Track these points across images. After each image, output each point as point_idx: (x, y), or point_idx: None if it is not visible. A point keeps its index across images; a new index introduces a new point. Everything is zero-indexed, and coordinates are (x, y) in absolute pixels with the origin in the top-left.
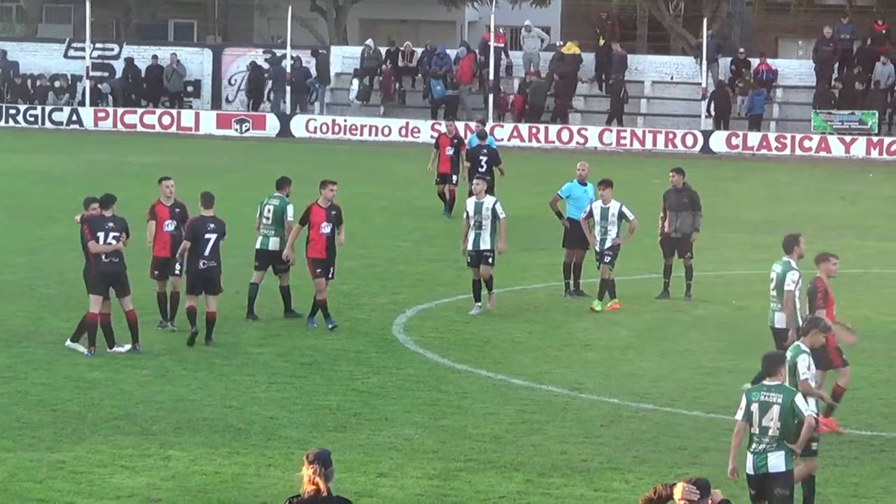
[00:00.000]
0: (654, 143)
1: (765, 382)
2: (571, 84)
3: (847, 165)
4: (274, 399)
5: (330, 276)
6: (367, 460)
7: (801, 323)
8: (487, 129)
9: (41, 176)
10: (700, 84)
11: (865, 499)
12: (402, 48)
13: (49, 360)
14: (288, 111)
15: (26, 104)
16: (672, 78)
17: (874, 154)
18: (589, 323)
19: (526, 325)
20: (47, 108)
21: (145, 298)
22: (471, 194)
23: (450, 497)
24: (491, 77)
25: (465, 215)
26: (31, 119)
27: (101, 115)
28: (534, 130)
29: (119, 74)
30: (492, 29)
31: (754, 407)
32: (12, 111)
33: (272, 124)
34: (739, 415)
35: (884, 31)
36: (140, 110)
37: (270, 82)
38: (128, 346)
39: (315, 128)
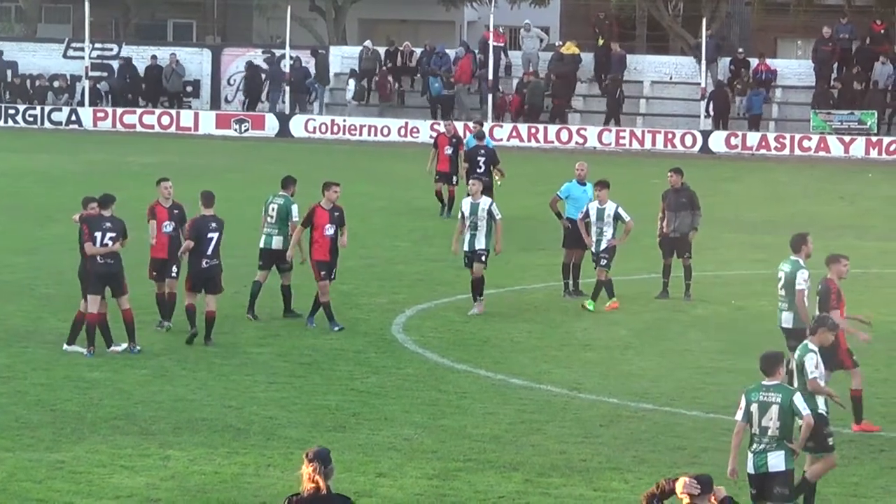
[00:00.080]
0: (654, 143)
1: (763, 382)
2: (570, 84)
3: (846, 165)
4: (273, 399)
5: (332, 276)
6: (367, 460)
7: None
8: (487, 129)
9: (40, 176)
10: (699, 84)
11: (865, 498)
12: (401, 48)
13: (48, 359)
14: (287, 111)
15: (25, 104)
16: (671, 78)
17: (873, 154)
18: (588, 323)
19: (525, 325)
20: (46, 109)
21: (144, 298)
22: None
23: (449, 497)
24: (490, 77)
25: (460, 215)
26: (31, 119)
27: (100, 115)
28: (533, 130)
29: (116, 74)
30: (491, 28)
31: (754, 407)
32: (11, 111)
33: (271, 124)
34: (739, 415)
35: (882, 31)
36: (139, 110)
37: (268, 82)
38: (124, 346)
39: (314, 128)
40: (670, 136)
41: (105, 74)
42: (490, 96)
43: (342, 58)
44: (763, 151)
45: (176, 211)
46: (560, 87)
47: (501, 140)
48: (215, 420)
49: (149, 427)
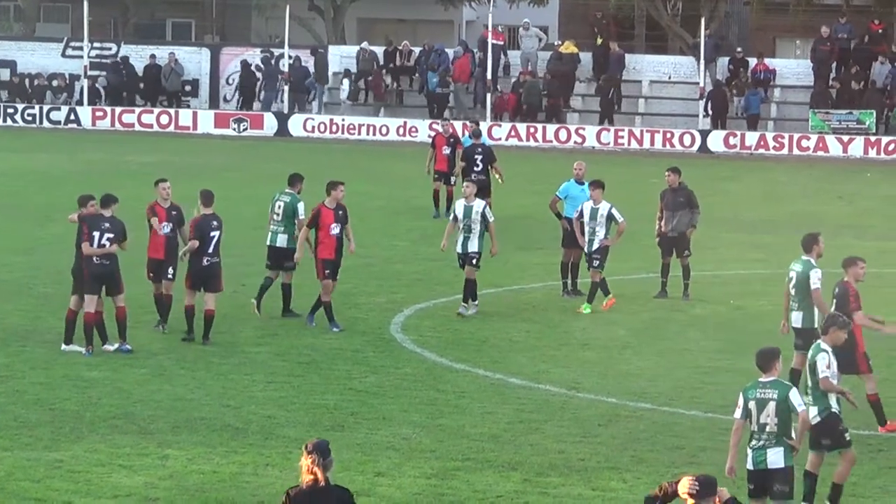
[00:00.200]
0: (652, 143)
1: (760, 379)
2: (569, 83)
3: (845, 165)
4: (271, 398)
5: (336, 276)
6: (365, 459)
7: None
8: (485, 128)
9: (39, 175)
10: (698, 84)
11: (863, 498)
12: (399, 47)
13: (47, 359)
14: (286, 110)
15: (24, 103)
16: (670, 77)
17: (872, 154)
18: (586, 322)
19: (523, 325)
20: (45, 108)
21: (143, 298)
22: None
23: (447, 496)
24: (489, 76)
25: (451, 216)
26: (29, 118)
27: (98, 114)
28: (531, 130)
29: (111, 70)
30: (489, 27)
31: (751, 404)
32: (10, 110)
33: (270, 124)
34: (737, 413)
35: (881, 31)
36: (138, 109)
37: (263, 82)
38: (116, 346)
39: (313, 127)
40: (669, 135)
41: (104, 74)
42: (489, 95)
43: (341, 57)
44: (761, 151)
45: (174, 212)
46: (556, 86)
47: (500, 139)
48: (214, 419)
49: (147, 426)
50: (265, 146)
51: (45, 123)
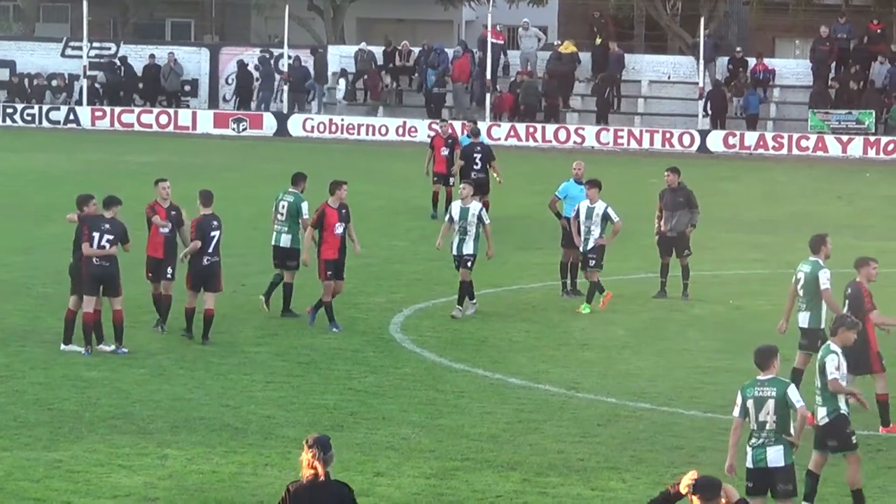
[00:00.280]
0: (651, 143)
1: (758, 377)
2: (568, 83)
3: (844, 165)
4: (271, 398)
5: (341, 276)
6: (364, 459)
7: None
8: (484, 128)
9: (38, 175)
10: (697, 83)
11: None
12: (399, 47)
13: (46, 359)
14: (285, 110)
15: (23, 103)
16: (669, 77)
17: (871, 153)
18: (586, 322)
19: (523, 325)
20: (44, 108)
21: (142, 297)
22: None
23: (447, 496)
24: (488, 76)
25: (447, 217)
26: (29, 118)
27: (98, 114)
28: (531, 130)
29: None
30: (489, 27)
31: (750, 403)
32: (9, 110)
33: (269, 123)
34: (736, 411)
35: (880, 31)
36: (137, 109)
37: (259, 81)
38: (112, 347)
39: (312, 127)
40: (668, 135)
41: (100, 72)
42: (488, 95)
43: (340, 57)
44: (761, 151)
45: (173, 212)
46: (553, 86)
47: (499, 139)
48: (213, 419)
49: (147, 426)
50: (264, 146)
51: (45, 123)
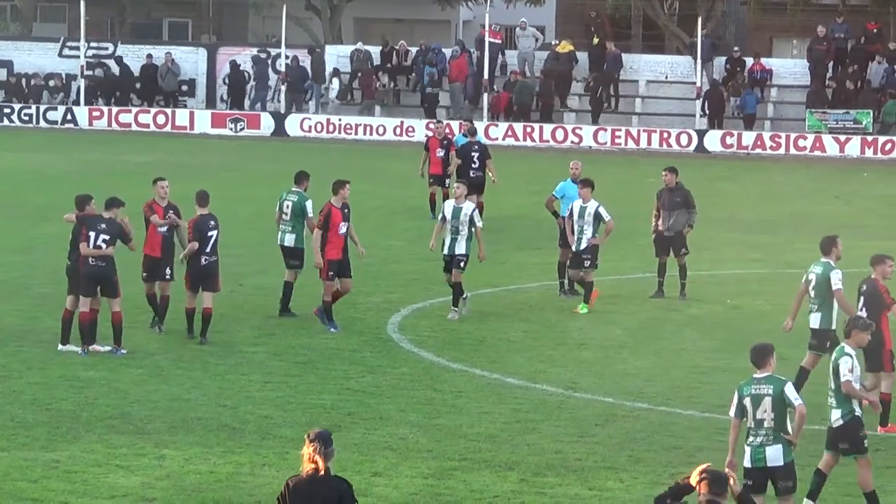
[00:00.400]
0: (649, 143)
1: (755, 375)
2: (566, 83)
3: (842, 165)
4: (268, 398)
5: (348, 274)
6: (362, 459)
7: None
8: (482, 128)
9: (36, 175)
10: (695, 83)
11: (861, 498)
12: (396, 47)
13: (44, 359)
14: (283, 110)
15: (21, 103)
16: (667, 77)
17: (868, 153)
18: (583, 322)
19: (520, 325)
20: (42, 108)
21: (140, 297)
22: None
23: (444, 496)
24: (486, 75)
25: (440, 216)
26: (26, 118)
27: (95, 114)
28: (528, 130)
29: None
30: (486, 27)
31: (747, 401)
32: (7, 110)
33: (267, 123)
34: (732, 410)
35: (877, 30)
36: (135, 109)
37: (253, 82)
38: (108, 347)
39: (310, 127)
40: (666, 135)
41: (94, 71)
42: (485, 95)
43: (338, 57)
44: (758, 151)
45: (171, 212)
46: (548, 86)
47: (496, 139)
48: (210, 419)
49: (144, 426)
50: (262, 146)
51: (42, 123)
